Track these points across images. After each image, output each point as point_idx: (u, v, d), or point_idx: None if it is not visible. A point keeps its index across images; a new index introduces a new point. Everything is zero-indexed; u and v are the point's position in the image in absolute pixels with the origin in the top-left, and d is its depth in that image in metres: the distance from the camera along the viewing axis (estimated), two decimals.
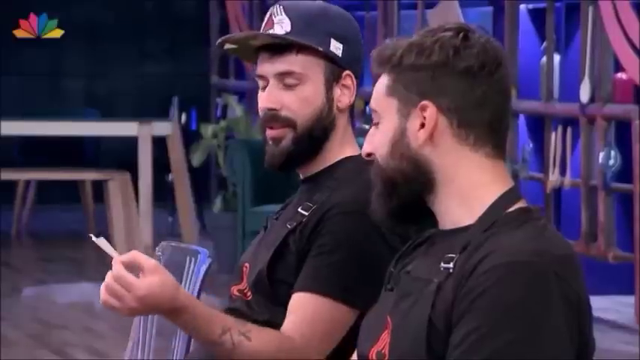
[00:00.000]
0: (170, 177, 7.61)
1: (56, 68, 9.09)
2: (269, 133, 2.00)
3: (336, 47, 1.98)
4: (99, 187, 7.62)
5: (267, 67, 1.99)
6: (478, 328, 1.52)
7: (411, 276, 1.65)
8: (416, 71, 1.63)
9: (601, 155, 5.44)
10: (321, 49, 1.97)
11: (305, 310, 1.90)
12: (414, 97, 1.63)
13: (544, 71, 5.85)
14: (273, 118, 1.98)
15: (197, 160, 6.96)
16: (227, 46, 2.04)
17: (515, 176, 5.78)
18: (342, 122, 2.01)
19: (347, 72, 2.00)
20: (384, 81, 1.66)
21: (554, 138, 5.76)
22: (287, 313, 1.93)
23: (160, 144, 7.50)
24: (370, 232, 1.90)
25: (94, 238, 1.73)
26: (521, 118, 6.15)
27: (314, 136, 1.98)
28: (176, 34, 9.17)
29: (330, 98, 1.99)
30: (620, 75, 5.52)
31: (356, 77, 2.01)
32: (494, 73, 1.64)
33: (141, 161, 7.41)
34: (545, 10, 5.82)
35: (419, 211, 1.66)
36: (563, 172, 5.73)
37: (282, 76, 1.98)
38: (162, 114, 7.96)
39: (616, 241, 5.51)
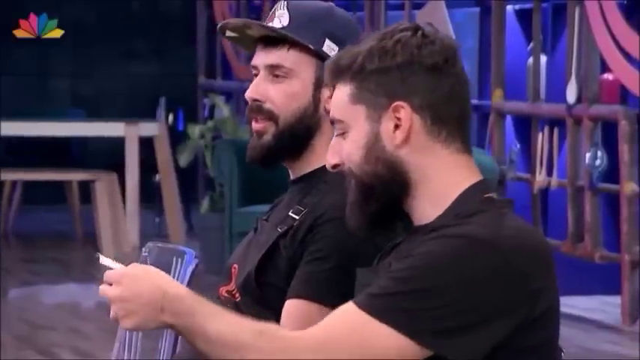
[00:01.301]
0: (157, 177, 7.60)
1: (42, 68, 9.07)
2: (253, 125, 2.00)
3: (331, 48, 1.97)
4: (85, 188, 7.60)
5: (259, 59, 2.00)
6: (393, 271, 1.57)
7: (366, 268, 1.68)
8: (382, 74, 1.64)
9: (587, 156, 5.45)
10: (312, 47, 1.96)
11: (298, 316, 1.90)
12: (383, 101, 1.64)
13: (531, 72, 5.86)
14: (258, 109, 1.99)
15: (184, 160, 6.95)
16: (228, 33, 2.03)
17: (502, 177, 5.79)
18: (329, 124, 2.01)
19: None
20: (345, 90, 1.67)
21: (541, 138, 5.77)
22: (281, 319, 1.92)
23: (147, 144, 7.49)
24: (362, 238, 1.90)
25: (101, 259, 1.70)
26: (508, 118, 6.16)
27: (296, 134, 1.97)
28: (163, 35, 9.16)
29: (316, 98, 1.98)
30: (607, 76, 5.54)
31: None
32: (456, 66, 1.66)
33: (128, 162, 7.40)
34: (532, 10, 5.83)
35: (395, 215, 1.67)
36: (550, 173, 5.74)
37: (271, 68, 1.98)
38: (149, 114, 7.95)
39: (602, 241, 5.52)
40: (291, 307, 1.91)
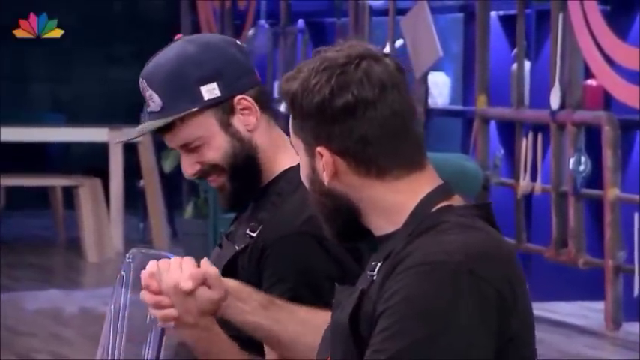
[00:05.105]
0: (141, 183, 7.58)
1: (21, 72, 9.03)
2: (211, 184, 2.05)
3: (210, 89, 1.98)
4: (68, 193, 7.57)
5: (170, 144, 2.06)
6: (387, 328, 1.53)
7: (344, 286, 1.67)
8: (305, 117, 1.61)
9: (571, 161, 5.47)
10: (195, 108, 1.98)
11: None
12: (311, 141, 1.62)
13: (515, 78, 5.87)
14: (204, 175, 2.04)
15: (168, 166, 6.93)
16: (135, 140, 2.10)
17: (486, 182, 5.79)
18: (262, 138, 2.01)
19: (236, 98, 1.99)
20: (292, 118, 1.65)
21: (524, 144, 5.78)
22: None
23: (131, 150, 7.47)
24: (313, 250, 1.90)
25: None
26: (492, 124, 6.17)
27: (244, 168, 2.00)
28: (146, 38, 9.14)
29: (233, 132, 2.00)
30: (590, 81, 5.55)
31: (252, 86, 2.00)
32: (378, 101, 1.58)
33: (112, 167, 7.38)
34: (516, 16, 5.84)
35: (361, 229, 1.64)
36: (533, 178, 5.75)
37: (183, 147, 2.03)
38: (132, 119, 7.91)
39: (586, 246, 5.53)
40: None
